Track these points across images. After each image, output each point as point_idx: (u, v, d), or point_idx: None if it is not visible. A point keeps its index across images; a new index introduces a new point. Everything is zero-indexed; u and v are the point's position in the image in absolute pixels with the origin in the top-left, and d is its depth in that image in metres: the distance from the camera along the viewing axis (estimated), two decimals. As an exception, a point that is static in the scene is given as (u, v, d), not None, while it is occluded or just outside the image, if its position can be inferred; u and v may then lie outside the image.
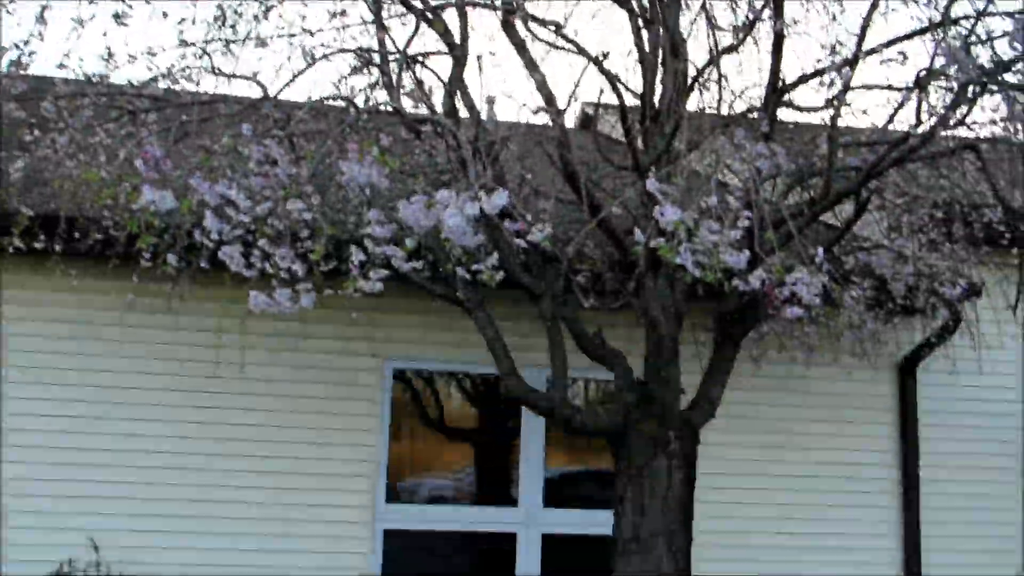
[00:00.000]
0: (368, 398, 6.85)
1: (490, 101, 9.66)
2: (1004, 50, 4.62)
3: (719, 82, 4.24)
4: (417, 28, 3.61)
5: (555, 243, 3.37)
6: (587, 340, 5.01)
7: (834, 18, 4.87)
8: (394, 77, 4.37)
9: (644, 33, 5.02)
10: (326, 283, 3.76)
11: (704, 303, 5.25)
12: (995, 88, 4.43)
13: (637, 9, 5.02)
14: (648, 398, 4.90)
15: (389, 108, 3.91)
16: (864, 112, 5.57)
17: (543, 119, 4.80)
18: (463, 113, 4.78)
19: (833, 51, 4.54)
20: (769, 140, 4.61)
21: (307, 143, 4.31)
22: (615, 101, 5.09)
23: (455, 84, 4.64)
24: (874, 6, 4.57)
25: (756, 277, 2.45)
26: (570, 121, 11.31)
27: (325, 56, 4.72)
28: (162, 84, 5.00)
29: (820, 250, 2.66)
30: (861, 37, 4.82)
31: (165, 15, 5.04)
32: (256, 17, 4.80)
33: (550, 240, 2.62)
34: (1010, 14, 4.12)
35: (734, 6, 4.76)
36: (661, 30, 4.66)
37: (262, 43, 4.05)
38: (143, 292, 5.86)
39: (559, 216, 5.86)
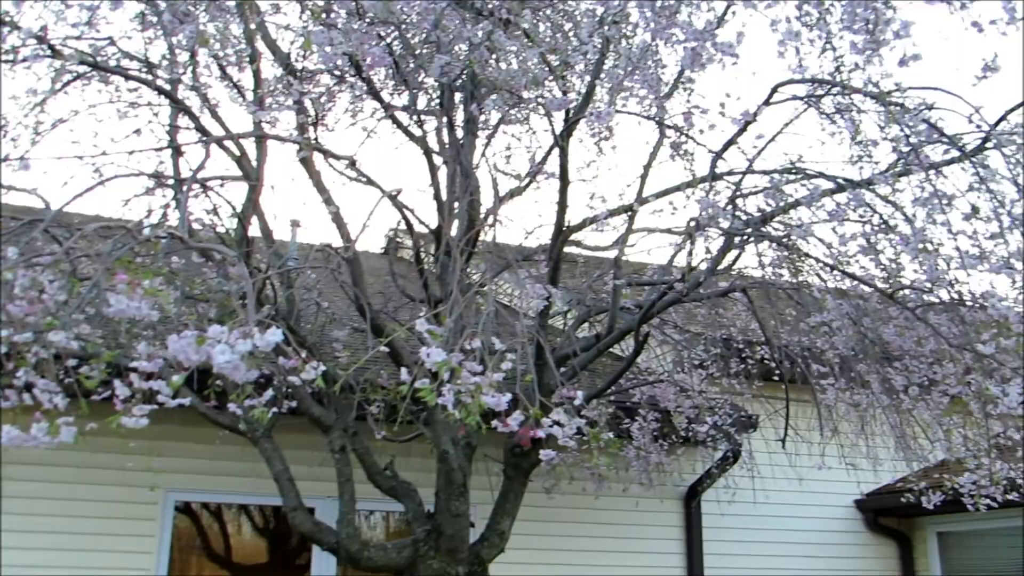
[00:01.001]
0: (146, 532, 6.41)
1: (294, 224, 9.57)
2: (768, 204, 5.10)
3: (493, 225, 4.41)
4: (208, 154, 3.60)
5: (330, 380, 3.35)
6: (377, 472, 4.94)
7: (602, 173, 5.23)
8: (187, 200, 4.30)
9: (443, 168, 5.22)
10: (98, 412, 3.55)
11: (495, 436, 5.32)
12: (759, 237, 4.84)
13: (436, 146, 5.21)
14: (438, 532, 4.86)
15: (178, 232, 3.82)
16: (648, 253, 5.96)
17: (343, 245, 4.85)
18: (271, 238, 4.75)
19: (603, 200, 4.87)
20: (554, 281, 4.83)
21: (89, 261, 4.14)
22: (417, 230, 5.20)
23: (248, 210, 4.62)
24: (649, 165, 4.96)
25: (515, 419, 2.54)
26: (378, 244, 11.43)
27: (117, 176, 4.61)
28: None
29: (580, 394, 2.78)
30: (641, 187, 5.21)
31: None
32: (36, 131, 4.62)
33: (324, 378, 2.61)
34: (766, 172, 4.55)
35: (527, 148, 5.05)
36: (457, 168, 4.85)
37: (25, 165, 3.90)
38: None
39: (354, 344, 5.84)
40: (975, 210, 3.60)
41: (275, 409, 2.60)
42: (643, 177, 5.21)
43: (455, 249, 3.71)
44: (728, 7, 4.13)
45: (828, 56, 4.00)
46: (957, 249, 3.80)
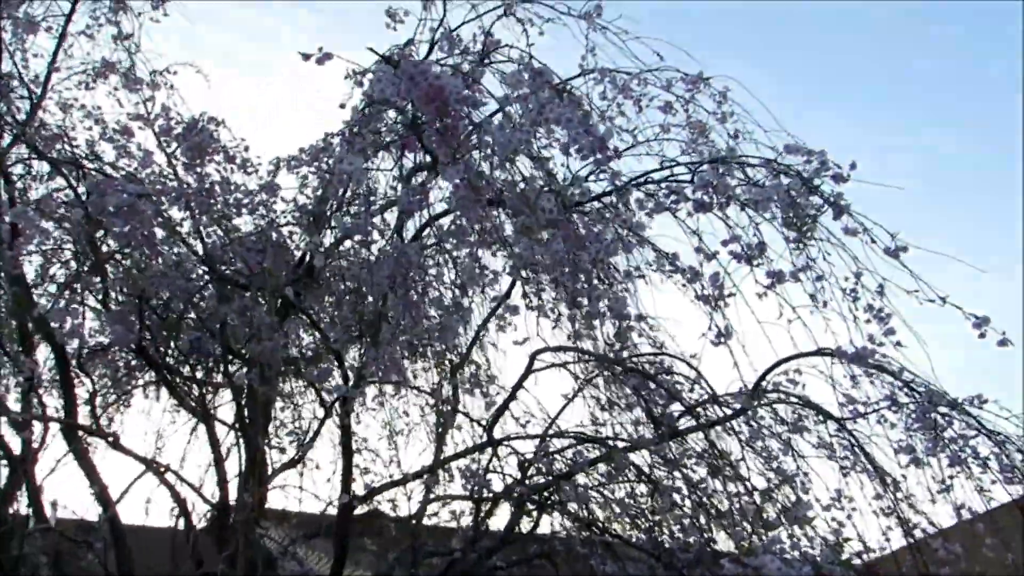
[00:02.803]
0: None
1: (100, 492, 9.13)
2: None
3: (252, 509, 4.32)
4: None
5: None
6: None
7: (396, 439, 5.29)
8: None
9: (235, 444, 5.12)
10: None
11: None
12: (545, 506, 4.89)
13: (232, 422, 5.15)
14: None
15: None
16: (453, 515, 5.90)
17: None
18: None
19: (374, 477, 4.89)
20: (341, 554, 4.70)
21: None
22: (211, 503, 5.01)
23: (9, 490, 4.42)
24: (442, 440, 5.05)
25: None
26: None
27: None
28: None
29: None
30: (437, 453, 5.25)
31: None
32: None
33: None
34: (541, 437, 4.68)
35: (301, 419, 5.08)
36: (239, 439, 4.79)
37: None
38: None
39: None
40: (714, 471, 3.78)
41: None
42: (438, 447, 5.26)
43: (193, 543, 3.59)
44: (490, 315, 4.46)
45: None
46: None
